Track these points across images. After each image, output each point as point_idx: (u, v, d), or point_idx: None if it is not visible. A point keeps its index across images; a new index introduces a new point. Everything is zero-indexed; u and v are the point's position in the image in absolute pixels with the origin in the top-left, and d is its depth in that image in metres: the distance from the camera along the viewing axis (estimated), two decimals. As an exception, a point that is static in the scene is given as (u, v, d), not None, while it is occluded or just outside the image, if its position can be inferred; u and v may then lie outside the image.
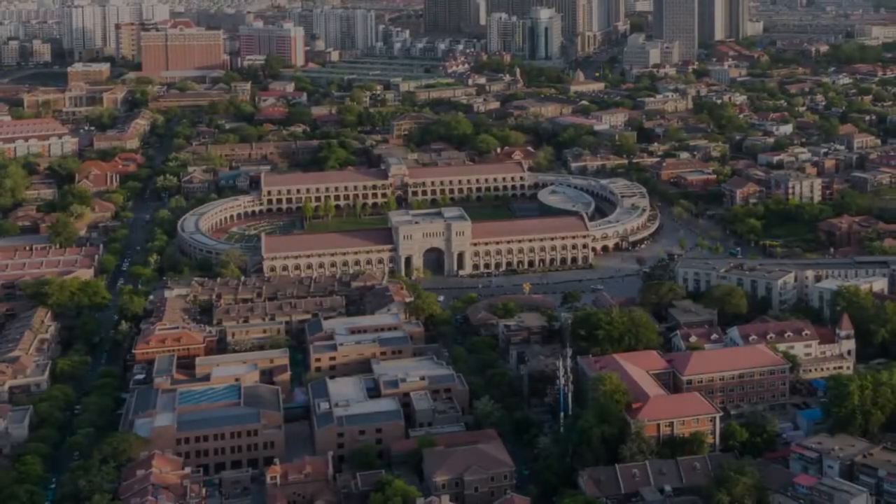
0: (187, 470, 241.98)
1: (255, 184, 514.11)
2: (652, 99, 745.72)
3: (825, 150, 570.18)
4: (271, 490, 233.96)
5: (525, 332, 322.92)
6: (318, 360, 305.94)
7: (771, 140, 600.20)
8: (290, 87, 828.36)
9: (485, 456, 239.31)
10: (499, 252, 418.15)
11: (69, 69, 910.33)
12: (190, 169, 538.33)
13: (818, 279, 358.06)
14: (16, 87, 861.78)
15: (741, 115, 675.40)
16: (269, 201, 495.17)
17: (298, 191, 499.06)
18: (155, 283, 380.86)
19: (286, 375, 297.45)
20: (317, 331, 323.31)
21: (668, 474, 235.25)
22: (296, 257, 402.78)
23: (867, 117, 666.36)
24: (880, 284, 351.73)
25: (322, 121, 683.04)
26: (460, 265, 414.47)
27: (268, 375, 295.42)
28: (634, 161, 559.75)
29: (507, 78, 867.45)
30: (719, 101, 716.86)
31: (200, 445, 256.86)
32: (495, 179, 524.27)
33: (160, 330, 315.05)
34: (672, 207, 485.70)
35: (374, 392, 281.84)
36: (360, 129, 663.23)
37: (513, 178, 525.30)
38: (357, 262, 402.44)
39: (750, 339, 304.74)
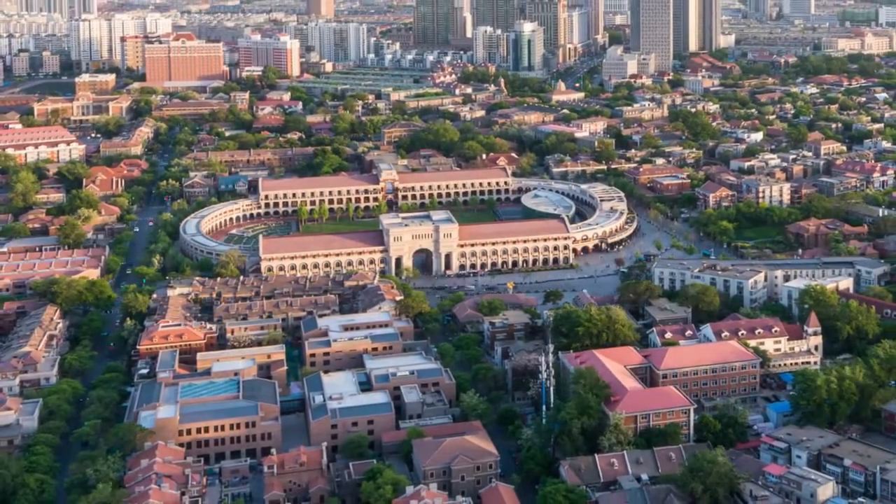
0: (189, 459, 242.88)
1: (253, 188, 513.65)
2: (629, 108, 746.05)
3: (794, 156, 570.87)
4: (269, 478, 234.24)
5: (509, 329, 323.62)
6: (312, 355, 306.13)
7: (742, 147, 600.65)
8: (287, 97, 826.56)
9: (471, 446, 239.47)
10: (484, 253, 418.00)
11: (77, 80, 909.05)
12: (191, 174, 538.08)
13: (787, 279, 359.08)
14: (26, 97, 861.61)
15: (714, 123, 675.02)
16: (267, 205, 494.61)
17: (294, 195, 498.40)
18: (158, 282, 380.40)
19: (283, 370, 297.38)
20: (312, 327, 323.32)
21: (644, 464, 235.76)
22: (292, 258, 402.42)
23: (833, 125, 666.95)
24: (846, 284, 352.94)
25: (317, 128, 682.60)
26: (448, 265, 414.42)
27: (265, 370, 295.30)
28: (613, 167, 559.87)
29: (492, 88, 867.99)
30: (693, 110, 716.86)
31: (201, 436, 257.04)
32: (481, 184, 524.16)
33: (163, 327, 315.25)
34: (648, 210, 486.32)
35: (366, 386, 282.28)
36: (353, 137, 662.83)
37: (497, 183, 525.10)
38: (350, 263, 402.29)
39: (722, 335, 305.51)
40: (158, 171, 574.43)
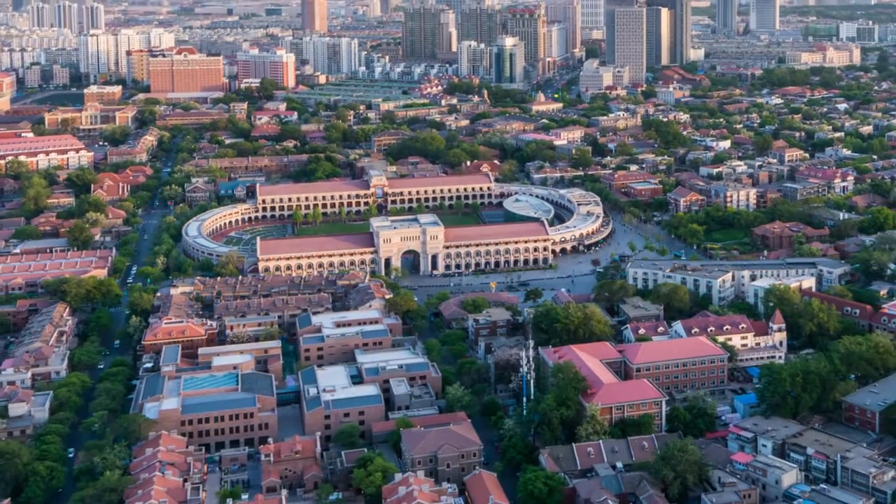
0: (191, 448, 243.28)
1: (251, 193, 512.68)
2: (605, 117, 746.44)
3: (759, 163, 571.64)
4: (266, 466, 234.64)
5: (492, 326, 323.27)
6: (307, 350, 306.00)
7: (711, 154, 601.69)
8: (283, 107, 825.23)
9: (456, 436, 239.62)
10: (468, 254, 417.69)
11: (85, 91, 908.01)
12: (193, 180, 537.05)
13: (753, 278, 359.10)
14: (38, 107, 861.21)
15: (685, 132, 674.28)
16: (264, 209, 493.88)
17: (290, 199, 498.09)
18: (162, 281, 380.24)
19: (279, 364, 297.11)
20: (306, 324, 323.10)
21: (619, 452, 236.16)
22: (287, 258, 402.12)
23: (797, 134, 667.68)
24: (809, 283, 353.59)
25: (311, 137, 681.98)
26: (434, 266, 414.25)
27: (262, 364, 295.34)
28: (589, 173, 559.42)
29: (476, 99, 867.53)
30: (665, 120, 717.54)
31: (203, 426, 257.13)
32: (465, 189, 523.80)
33: (166, 323, 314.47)
34: (623, 214, 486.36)
35: (357, 379, 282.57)
36: (345, 145, 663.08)
37: (481, 188, 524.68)
38: (342, 263, 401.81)
39: (692, 331, 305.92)
40: (162, 177, 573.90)
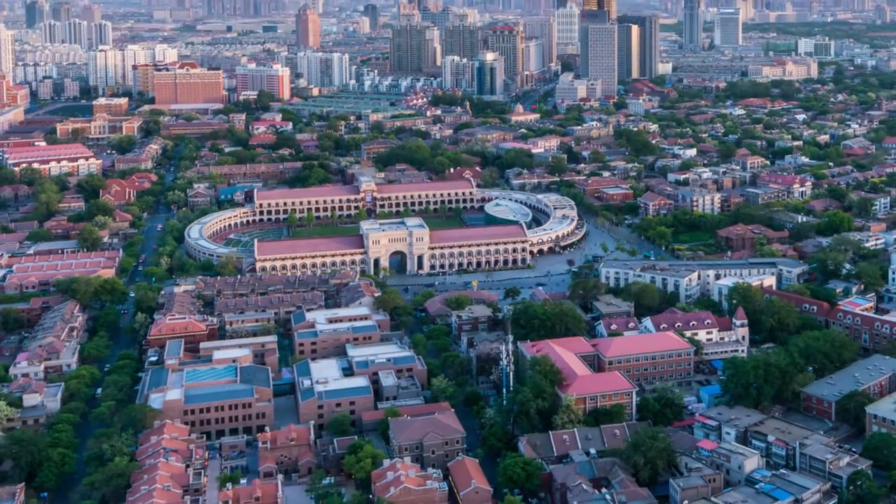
0: (193, 436, 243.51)
1: (249, 198, 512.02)
2: (579, 127, 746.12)
3: (724, 169, 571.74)
4: (263, 453, 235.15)
5: (474, 322, 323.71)
6: (301, 344, 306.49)
7: (678, 161, 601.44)
8: (278, 118, 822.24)
9: (440, 424, 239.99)
10: (452, 255, 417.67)
11: (94, 103, 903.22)
12: (195, 185, 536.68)
13: (718, 277, 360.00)
14: (50, 118, 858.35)
15: (654, 141, 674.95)
16: (261, 212, 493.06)
17: (285, 204, 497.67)
18: (166, 280, 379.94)
19: (275, 357, 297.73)
20: (300, 320, 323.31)
21: (593, 440, 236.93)
22: (283, 259, 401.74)
23: (758, 142, 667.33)
24: (769, 281, 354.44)
25: (305, 145, 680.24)
26: (420, 266, 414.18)
27: (260, 357, 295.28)
28: (565, 179, 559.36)
29: (459, 110, 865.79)
30: (635, 129, 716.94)
31: (204, 416, 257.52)
32: (449, 194, 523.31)
33: (170, 320, 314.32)
34: (596, 217, 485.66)
35: (348, 371, 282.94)
36: (337, 153, 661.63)
37: (464, 193, 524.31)
38: (334, 263, 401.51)
39: (661, 327, 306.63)
40: (166, 183, 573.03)
